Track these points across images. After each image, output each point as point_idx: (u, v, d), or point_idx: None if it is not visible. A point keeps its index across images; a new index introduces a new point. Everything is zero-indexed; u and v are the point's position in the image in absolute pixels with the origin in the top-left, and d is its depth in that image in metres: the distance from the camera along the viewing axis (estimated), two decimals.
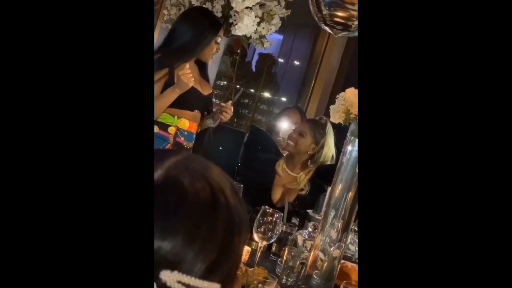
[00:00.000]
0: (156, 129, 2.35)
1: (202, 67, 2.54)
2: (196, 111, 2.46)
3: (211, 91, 2.54)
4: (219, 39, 2.47)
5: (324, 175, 2.49)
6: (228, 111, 2.46)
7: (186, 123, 2.41)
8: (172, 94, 2.31)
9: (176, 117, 2.39)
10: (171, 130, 2.38)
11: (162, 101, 2.32)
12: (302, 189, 2.55)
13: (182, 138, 2.41)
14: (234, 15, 2.83)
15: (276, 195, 2.60)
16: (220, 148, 3.00)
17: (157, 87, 2.32)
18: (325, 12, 2.21)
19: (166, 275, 0.55)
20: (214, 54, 2.51)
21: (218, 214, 0.58)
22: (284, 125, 3.21)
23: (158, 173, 0.58)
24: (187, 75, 2.27)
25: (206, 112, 2.53)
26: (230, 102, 2.51)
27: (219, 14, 2.82)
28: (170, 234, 0.55)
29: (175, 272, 0.55)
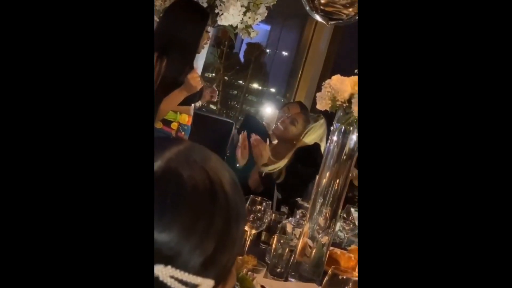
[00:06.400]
0: (160, 125, 2.42)
1: None
2: (193, 104, 2.56)
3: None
4: (208, 28, 2.48)
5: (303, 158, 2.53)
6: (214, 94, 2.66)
7: (186, 117, 2.50)
8: (180, 95, 2.39)
9: (178, 113, 2.46)
10: (174, 126, 2.46)
11: (171, 102, 2.39)
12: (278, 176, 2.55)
13: (183, 133, 2.49)
14: (220, 5, 2.81)
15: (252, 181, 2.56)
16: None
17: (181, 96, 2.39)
18: (317, 1, 2.20)
19: (159, 270, 0.54)
20: (205, 43, 2.55)
21: (216, 209, 0.57)
22: (268, 110, 3.23)
23: (157, 164, 0.56)
24: (196, 79, 2.35)
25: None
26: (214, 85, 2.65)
27: (205, 4, 2.80)
28: (167, 227, 0.54)
29: (169, 267, 0.54)
